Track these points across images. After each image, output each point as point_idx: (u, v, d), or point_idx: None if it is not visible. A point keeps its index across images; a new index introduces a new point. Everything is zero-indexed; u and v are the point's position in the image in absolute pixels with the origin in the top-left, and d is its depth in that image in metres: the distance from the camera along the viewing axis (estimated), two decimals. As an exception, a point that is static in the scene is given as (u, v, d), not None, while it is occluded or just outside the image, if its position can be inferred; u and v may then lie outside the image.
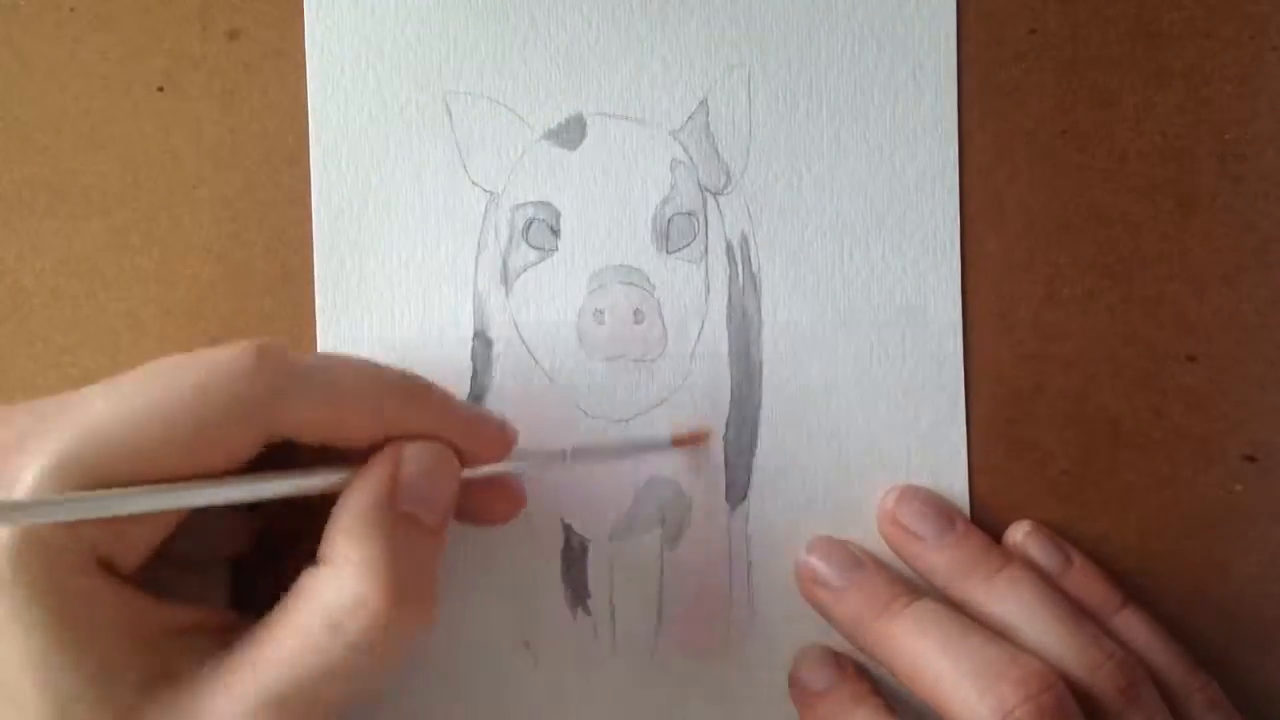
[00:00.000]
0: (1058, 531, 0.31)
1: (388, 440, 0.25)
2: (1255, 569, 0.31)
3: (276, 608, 0.24)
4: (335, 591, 0.23)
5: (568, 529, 0.31)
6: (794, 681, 0.30)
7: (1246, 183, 0.31)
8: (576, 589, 0.31)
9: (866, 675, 0.30)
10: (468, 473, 0.26)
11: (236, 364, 0.23)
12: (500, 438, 0.26)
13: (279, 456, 0.24)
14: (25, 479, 0.22)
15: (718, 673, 0.31)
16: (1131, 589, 0.30)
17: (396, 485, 0.24)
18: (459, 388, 0.31)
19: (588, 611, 0.31)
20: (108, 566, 0.23)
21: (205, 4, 0.31)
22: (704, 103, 0.31)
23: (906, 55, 0.31)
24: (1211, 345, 0.31)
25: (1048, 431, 0.31)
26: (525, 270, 0.31)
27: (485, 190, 0.31)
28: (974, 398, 0.31)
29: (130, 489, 0.22)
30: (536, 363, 0.31)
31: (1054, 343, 0.31)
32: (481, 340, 0.31)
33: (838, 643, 0.30)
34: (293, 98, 0.31)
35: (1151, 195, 0.31)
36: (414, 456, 0.25)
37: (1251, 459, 0.31)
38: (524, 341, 0.31)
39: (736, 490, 0.31)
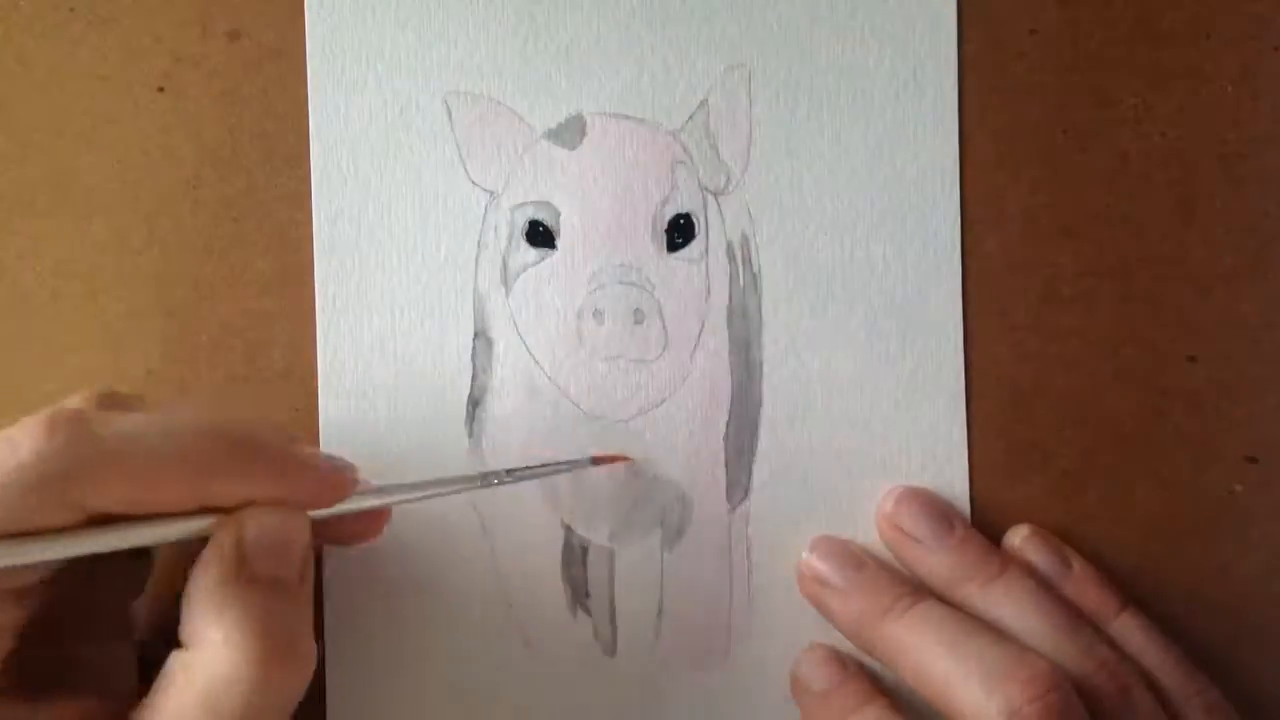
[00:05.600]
0: (1057, 532, 0.31)
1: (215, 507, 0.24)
2: (1255, 569, 0.31)
3: (148, 696, 0.23)
4: (204, 674, 0.22)
5: (568, 529, 0.31)
6: (796, 681, 0.30)
7: (1247, 184, 0.31)
8: (576, 589, 0.31)
9: (870, 675, 0.30)
10: (347, 506, 0.25)
11: (28, 444, 0.21)
12: (330, 487, 0.25)
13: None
14: None
15: (718, 673, 0.31)
16: (1132, 589, 0.30)
17: (243, 552, 0.23)
18: (459, 388, 0.31)
19: (588, 611, 0.31)
20: None
21: (205, 4, 0.31)
22: (704, 103, 0.31)
23: (906, 55, 0.31)
24: (1211, 345, 0.31)
25: (1048, 431, 0.31)
26: (525, 270, 0.31)
27: (485, 190, 0.31)
28: (974, 398, 0.31)
29: None
30: (536, 363, 0.31)
31: (1054, 343, 0.31)
32: (482, 340, 0.31)
33: (839, 643, 0.30)
34: (293, 98, 0.31)
35: (1151, 195, 0.31)
36: (254, 519, 0.23)
37: (1251, 459, 0.31)
38: (524, 341, 0.31)
39: (737, 490, 0.31)
